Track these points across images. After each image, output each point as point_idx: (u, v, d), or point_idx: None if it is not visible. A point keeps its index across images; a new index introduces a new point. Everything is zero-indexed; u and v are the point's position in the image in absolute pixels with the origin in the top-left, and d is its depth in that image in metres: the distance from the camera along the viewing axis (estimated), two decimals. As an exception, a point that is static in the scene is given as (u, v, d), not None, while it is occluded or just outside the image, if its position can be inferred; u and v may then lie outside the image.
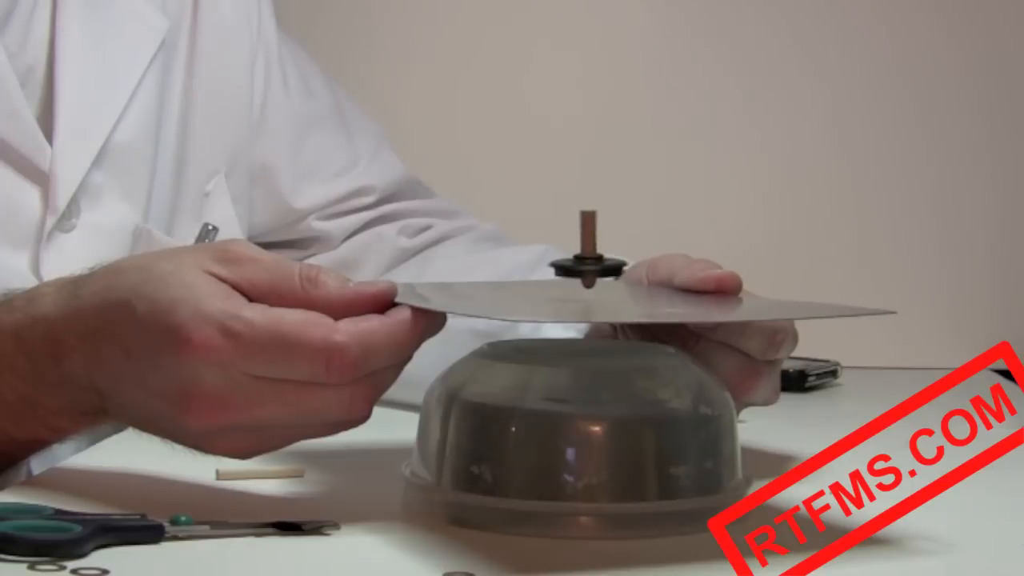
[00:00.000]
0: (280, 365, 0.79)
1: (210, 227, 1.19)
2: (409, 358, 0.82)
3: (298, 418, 0.81)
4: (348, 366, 0.79)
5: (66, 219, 1.11)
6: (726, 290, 0.93)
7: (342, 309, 0.80)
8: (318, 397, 0.80)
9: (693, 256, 0.98)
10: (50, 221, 1.10)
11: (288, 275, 0.82)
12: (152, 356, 0.81)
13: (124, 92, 1.14)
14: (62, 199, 1.10)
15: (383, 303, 0.82)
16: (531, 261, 1.22)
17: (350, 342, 0.79)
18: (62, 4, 1.12)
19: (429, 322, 0.82)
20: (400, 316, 0.81)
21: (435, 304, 0.83)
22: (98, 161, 1.12)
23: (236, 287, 0.81)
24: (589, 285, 0.89)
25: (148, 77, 1.16)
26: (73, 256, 1.11)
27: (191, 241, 1.19)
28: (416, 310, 0.81)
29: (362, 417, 0.82)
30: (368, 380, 0.81)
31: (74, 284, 0.86)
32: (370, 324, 0.80)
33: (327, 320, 0.80)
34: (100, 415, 0.86)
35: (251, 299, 0.81)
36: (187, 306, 0.80)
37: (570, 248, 0.92)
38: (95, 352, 0.83)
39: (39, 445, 0.89)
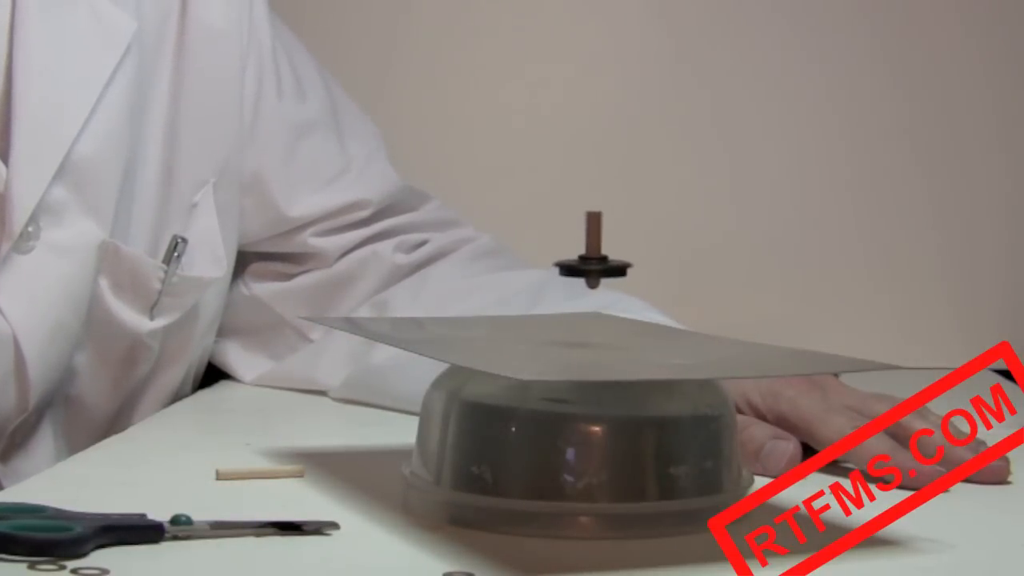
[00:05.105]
0: None
1: (179, 239, 1.17)
2: None
3: None
4: None
5: (24, 240, 1.08)
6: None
7: None
8: None
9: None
10: (5, 246, 1.07)
11: None
12: None
13: (87, 101, 1.10)
14: (18, 222, 1.07)
15: None
16: (530, 288, 1.21)
17: None
18: (21, 12, 1.09)
19: None
20: None
21: (433, 353, 0.83)
22: (59, 176, 1.09)
23: None
24: (593, 285, 0.89)
25: (116, 83, 1.13)
26: (33, 278, 1.09)
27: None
28: None
29: None
30: None
31: None
32: None
33: None
34: None
35: None
36: None
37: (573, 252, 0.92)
38: None
39: None
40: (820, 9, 1.63)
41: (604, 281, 0.90)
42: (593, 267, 0.88)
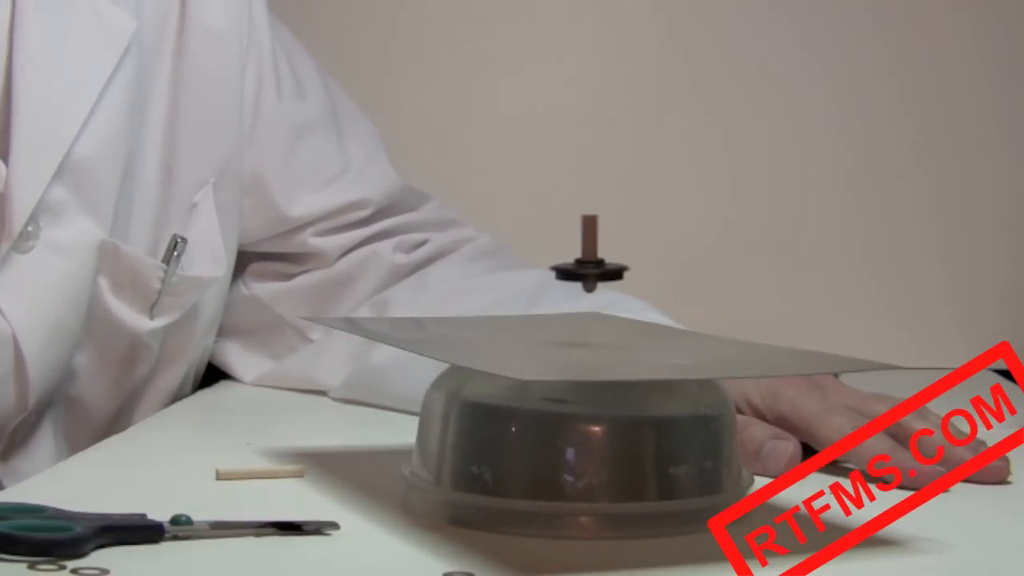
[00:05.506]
0: None
1: (179, 239, 1.17)
2: None
3: None
4: None
5: (23, 240, 1.08)
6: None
7: None
8: None
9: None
10: (5, 246, 1.07)
11: None
12: None
13: (86, 100, 1.10)
14: (17, 222, 1.07)
15: None
16: (530, 288, 1.21)
17: None
18: (20, 11, 1.09)
19: None
20: None
21: (433, 353, 0.83)
22: (58, 176, 1.09)
23: None
24: (590, 289, 0.89)
25: (116, 82, 1.12)
26: (33, 278, 1.09)
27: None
28: None
29: None
30: None
31: None
32: None
33: None
34: None
35: None
36: None
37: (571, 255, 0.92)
38: None
39: None
40: (820, 9, 1.63)
41: (601, 284, 0.90)
42: (589, 271, 0.88)
